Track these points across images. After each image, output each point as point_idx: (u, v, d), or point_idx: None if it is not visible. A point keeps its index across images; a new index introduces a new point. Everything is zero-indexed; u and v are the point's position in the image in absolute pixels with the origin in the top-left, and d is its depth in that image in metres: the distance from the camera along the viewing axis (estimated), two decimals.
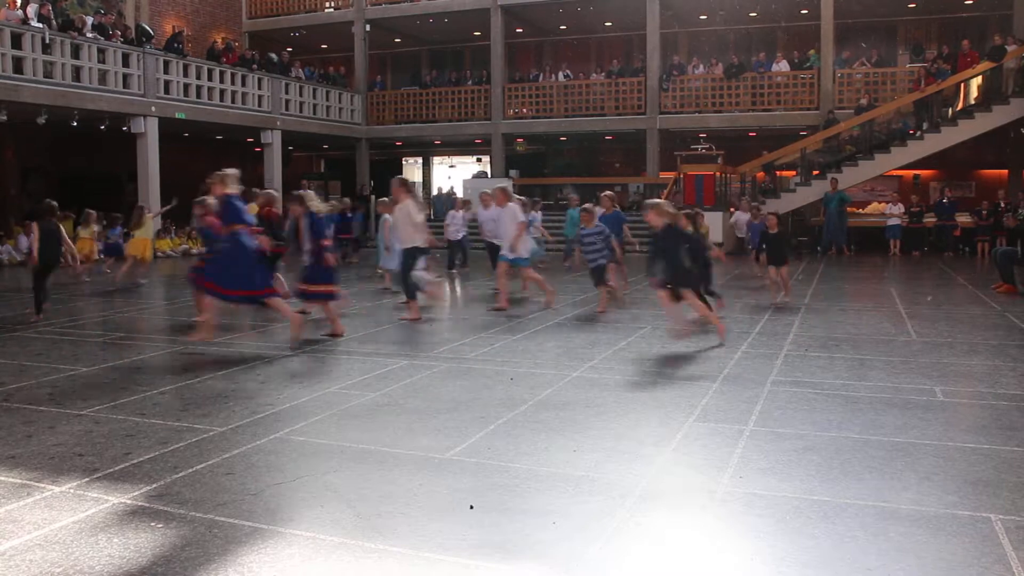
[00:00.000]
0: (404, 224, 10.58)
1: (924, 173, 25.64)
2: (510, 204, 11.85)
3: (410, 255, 10.60)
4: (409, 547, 3.80)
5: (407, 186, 10.83)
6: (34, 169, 23.04)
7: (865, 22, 26.55)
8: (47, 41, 18.24)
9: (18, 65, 17.75)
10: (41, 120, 18.51)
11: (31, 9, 18.97)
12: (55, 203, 11.89)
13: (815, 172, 23.11)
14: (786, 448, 5.22)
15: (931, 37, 26.67)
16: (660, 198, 20.17)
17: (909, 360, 8.02)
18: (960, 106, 22.11)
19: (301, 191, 10.09)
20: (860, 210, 23.86)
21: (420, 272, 11.32)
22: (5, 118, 17.80)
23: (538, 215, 17.50)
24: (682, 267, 8.74)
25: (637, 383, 7.11)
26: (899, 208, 22.26)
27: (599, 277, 11.39)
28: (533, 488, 4.55)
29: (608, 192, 12.80)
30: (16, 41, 17.75)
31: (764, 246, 12.54)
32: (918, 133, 21.86)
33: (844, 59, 25.35)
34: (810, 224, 23.65)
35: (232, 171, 9.07)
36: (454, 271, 16.87)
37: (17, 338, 9.58)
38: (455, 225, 16.84)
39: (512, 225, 11.69)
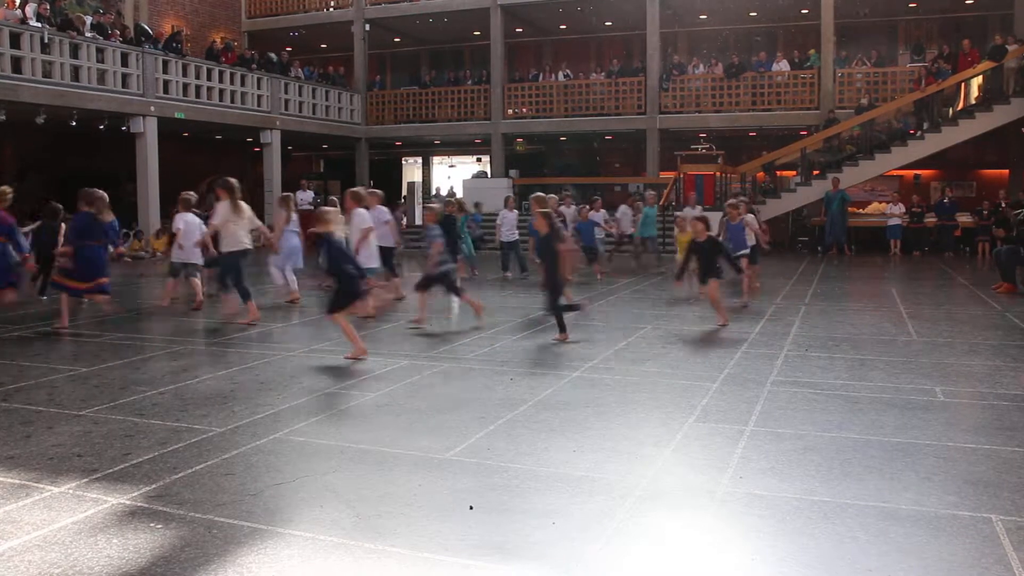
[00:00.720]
0: (223, 225, 10.59)
1: (925, 173, 25.61)
2: (357, 209, 11.29)
3: (232, 259, 10.59)
4: (408, 547, 3.79)
5: (228, 187, 10.58)
6: (33, 169, 23.01)
7: (865, 22, 26.54)
8: (46, 41, 18.22)
9: (17, 65, 17.73)
10: (40, 120, 18.49)
11: (30, 8, 18.94)
12: (60, 206, 12.34)
13: (815, 172, 23.09)
14: (786, 448, 5.22)
15: (932, 36, 26.65)
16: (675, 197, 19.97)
17: (910, 360, 8.02)
18: (961, 106, 22.09)
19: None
20: (860, 210, 23.84)
21: (291, 277, 12.15)
22: (4, 118, 17.77)
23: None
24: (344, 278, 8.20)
25: (637, 383, 7.10)
26: (900, 208, 22.25)
27: (440, 281, 10.23)
28: (533, 488, 4.55)
29: (547, 195, 12.47)
30: (15, 40, 17.73)
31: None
32: (919, 133, 21.84)
33: (844, 59, 25.33)
34: (810, 224, 23.64)
35: (7, 188, 10.68)
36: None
37: (15, 338, 9.57)
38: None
39: (356, 231, 11.10)
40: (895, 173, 24.43)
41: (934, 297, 13.21)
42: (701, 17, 27.27)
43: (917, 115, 22.44)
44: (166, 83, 21.32)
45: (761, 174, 24.42)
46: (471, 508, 4.25)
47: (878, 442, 5.34)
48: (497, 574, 3.56)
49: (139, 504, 4.35)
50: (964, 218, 21.74)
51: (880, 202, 24.56)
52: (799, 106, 24.64)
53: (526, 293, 13.19)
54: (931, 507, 4.24)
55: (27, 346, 9.06)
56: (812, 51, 25.10)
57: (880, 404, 6.32)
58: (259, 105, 24.31)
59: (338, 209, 9.84)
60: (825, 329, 9.86)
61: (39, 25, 18.31)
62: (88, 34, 19.68)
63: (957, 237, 21.54)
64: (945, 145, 21.56)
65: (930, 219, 22.01)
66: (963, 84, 21.99)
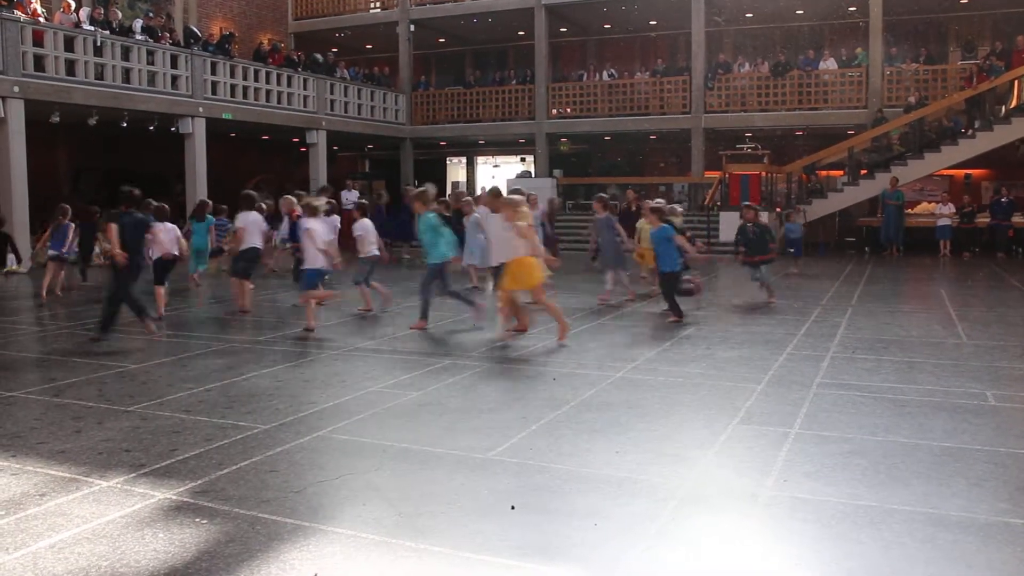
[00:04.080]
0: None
1: (976, 172, 25.11)
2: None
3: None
4: (450, 547, 3.80)
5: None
6: (85, 169, 23.47)
7: (915, 19, 26.10)
8: (99, 44, 18.56)
9: (71, 67, 18.09)
10: (92, 121, 18.84)
11: (83, 12, 19.32)
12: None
13: (863, 171, 22.75)
14: (832, 452, 5.15)
15: (984, 33, 26.12)
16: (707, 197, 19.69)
17: (959, 363, 7.87)
18: (1014, 103, 21.60)
19: None
20: (910, 210, 23.43)
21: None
22: (58, 119, 18.15)
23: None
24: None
25: (681, 384, 7.05)
26: (950, 208, 21.83)
27: None
28: (575, 489, 4.54)
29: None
30: (69, 44, 18.09)
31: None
32: (970, 131, 21.42)
33: (893, 56, 24.92)
34: (857, 224, 23.30)
35: None
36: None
37: (68, 335, 9.76)
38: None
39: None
40: (945, 173, 23.98)
41: (985, 299, 12.94)
42: (747, 15, 27.00)
43: (968, 113, 22.00)
44: (214, 84, 21.60)
45: (804, 175, 24.11)
46: (512, 508, 4.25)
47: (926, 446, 5.24)
48: (538, 575, 3.56)
49: (185, 499, 4.41)
50: (1018, 218, 21.26)
51: (929, 202, 24.13)
52: (846, 105, 24.29)
53: (566, 293, 13.17)
54: (981, 514, 4.15)
55: (79, 343, 9.23)
56: (859, 49, 24.72)
57: (929, 408, 6.21)
58: (305, 106, 24.54)
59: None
60: (872, 331, 9.71)
61: (92, 29, 18.66)
62: (139, 37, 20.00)
63: (1010, 238, 21.06)
64: (997, 144, 21.11)
65: (982, 219, 21.57)
66: (1016, 81, 21.50)
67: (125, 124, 19.79)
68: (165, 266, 11.13)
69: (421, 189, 10.43)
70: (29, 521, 4.13)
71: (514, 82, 28.65)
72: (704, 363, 7.93)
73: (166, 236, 11.09)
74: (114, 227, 9.42)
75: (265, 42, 26.01)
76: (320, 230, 9.97)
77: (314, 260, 9.92)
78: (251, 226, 11.21)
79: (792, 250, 17.06)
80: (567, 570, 3.59)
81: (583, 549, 3.79)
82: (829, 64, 24.93)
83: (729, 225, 22.00)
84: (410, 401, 6.52)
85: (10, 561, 3.68)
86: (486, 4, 27.10)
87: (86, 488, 4.59)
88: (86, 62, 18.32)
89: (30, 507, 4.32)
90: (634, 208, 15.31)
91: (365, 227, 11.38)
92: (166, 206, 11.62)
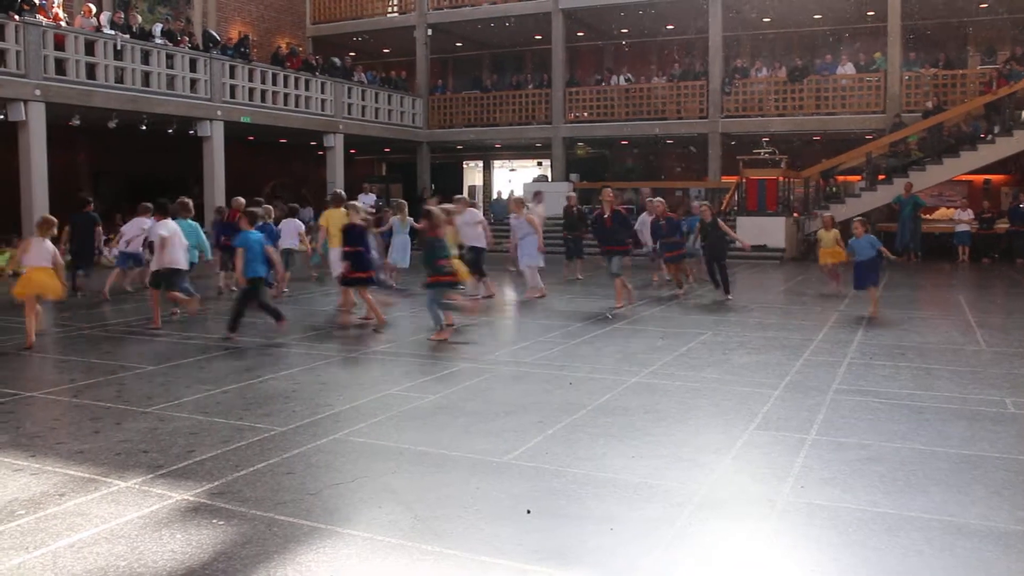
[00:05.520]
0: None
1: (995, 178, 24.94)
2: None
3: None
4: (465, 550, 3.80)
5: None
6: (105, 172, 23.62)
7: (934, 23, 25.95)
8: (119, 48, 18.69)
9: (91, 71, 18.22)
10: (112, 124, 18.98)
11: (104, 17, 19.46)
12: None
13: (881, 177, 22.63)
14: (849, 458, 5.12)
15: (1004, 38, 25.94)
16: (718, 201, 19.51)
17: (978, 370, 7.81)
18: None
19: None
20: (928, 216, 23.29)
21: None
22: (79, 122, 18.29)
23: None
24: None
25: (697, 389, 7.03)
26: (968, 214, 21.68)
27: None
28: (591, 494, 4.53)
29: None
30: (89, 48, 18.23)
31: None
32: (989, 137, 21.28)
33: (911, 61, 24.79)
34: (875, 229, 23.16)
35: None
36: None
37: (87, 337, 9.83)
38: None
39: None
40: (964, 178, 23.83)
41: (1004, 305, 12.85)
42: (764, 20, 26.93)
43: (987, 119, 21.86)
44: (232, 88, 21.70)
45: (821, 180, 24.00)
46: (528, 512, 4.25)
47: (944, 454, 5.21)
48: None
49: (202, 500, 4.44)
50: None
51: (948, 207, 23.97)
52: (864, 110, 24.16)
53: (584, 297, 13.15)
54: (1000, 522, 4.12)
55: (97, 344, 9.30)
56: (877, 54, 24.61)
57: (947, 415, 6.17)
58: (323, 109, 24.62)
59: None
60: (890, 337, 9.65)
61: (112, 33, 18.79)
62: (158, 41, 20.14)
63: None
64: (1017, 149, 20.94)
65: (1001, 225, 21.40)
66: None
67: (144, 127, 19.91)
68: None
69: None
70: (48, 521, 4.17)
71: (531, 86, 28.66)
72: (721, 368, 7.91)
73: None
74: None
75: (283, 46, 26.13)
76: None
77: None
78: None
79: (857, 280, 11.48)
80: (583, 574, 3.59)
81: (599, 554, 3.79)
82: (847, 69, 24.81)
83: (745, 230, 21.98)
84: (427, 404, 6.53)
85: (30, 560, 3.72)
86: (503, 8, 27.13)
87: (104, 488, 4.62)
88: (106, 66, 18.44)
89: (49, 507, 4.35)
90: (607, 214, 12.21)
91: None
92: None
